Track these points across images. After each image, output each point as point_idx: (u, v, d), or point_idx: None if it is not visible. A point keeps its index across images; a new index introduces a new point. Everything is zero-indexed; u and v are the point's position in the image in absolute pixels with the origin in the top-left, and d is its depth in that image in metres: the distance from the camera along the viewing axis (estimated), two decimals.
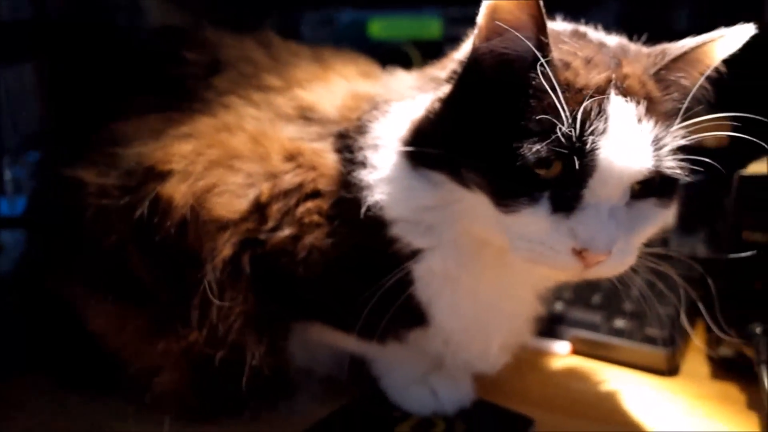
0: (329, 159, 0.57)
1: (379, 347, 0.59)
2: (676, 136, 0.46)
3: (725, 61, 0.50)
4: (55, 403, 0.63)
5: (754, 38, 0.48)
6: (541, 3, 0.44)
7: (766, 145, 0.49)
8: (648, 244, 0.51)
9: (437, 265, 0.54)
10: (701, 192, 0.64)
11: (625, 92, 0.46)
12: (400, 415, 0.61)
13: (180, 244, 0.54)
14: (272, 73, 0.63)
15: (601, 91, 0.45)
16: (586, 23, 0.56)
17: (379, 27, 1.12)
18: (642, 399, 0.65)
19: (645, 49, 0.52)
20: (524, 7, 0.44)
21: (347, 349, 0.62)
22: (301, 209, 0.54)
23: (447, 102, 0.50)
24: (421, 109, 0.52)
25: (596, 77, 0.46)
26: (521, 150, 0.44)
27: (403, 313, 0.54)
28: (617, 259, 0.47)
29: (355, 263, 0.54)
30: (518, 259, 0.49)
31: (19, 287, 0.69)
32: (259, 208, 0.54)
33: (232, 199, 0.54)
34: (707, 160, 0.48)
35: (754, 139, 0.49)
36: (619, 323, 0.72)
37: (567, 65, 0.47)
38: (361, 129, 0.56)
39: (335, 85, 0.62)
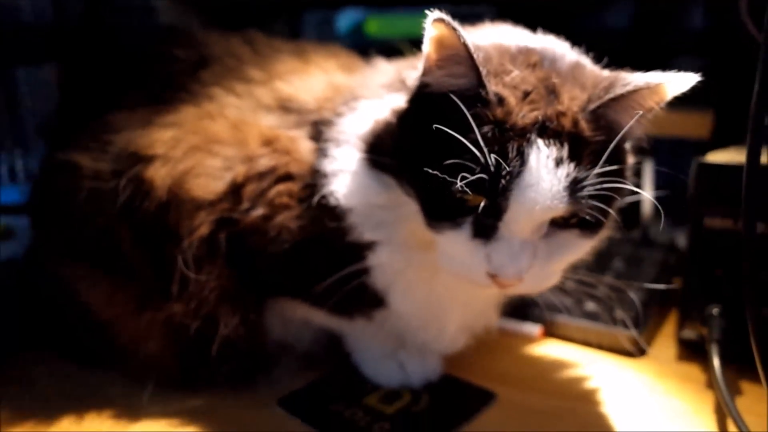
0: (304, 145, 0.61)
1: (349, 323, 0.63)
2: (600, 176, 0.46)
3: None
4: (56, 372, 0.68)
5: None
6: (470, 42, 0.45)
7: None
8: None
9: (387, 259, 0.57)
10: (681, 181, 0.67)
11: (551, 133, 0.46)
12: (370, 388, 0.65)
13: (161, 222, 0.59)
14: (255, 66, 0.67)
15: (526, 132, 0.46)
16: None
17: (376, 25, 1.16)
18: (604, 378, 0.68)
19: (595, 76, 0.52)
20: (460, 38, 0.45)
21: (321, 325, 0.66)
22: (273, 191, 0.58)
23: (399, 116, 0.54)
24: (387, 110, 0.55)
25: (525, 117, 0.46)
26: (447, 180, 0.46)
27: (364, 295, 0.59)
28: (532, 283, 0.51)
29: (319, 245, 0.58)
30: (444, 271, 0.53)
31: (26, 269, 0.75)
32: (234, 190, 0.59)
33: (210, 180, 0.58)
34: (630, 186, 0.50)
35: None
36: (590, 306, 0.75)
37: (501, 101, 0.47)
38: (329, 122, 0.60)
39: (314, 77, 0.66)
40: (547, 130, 0.47)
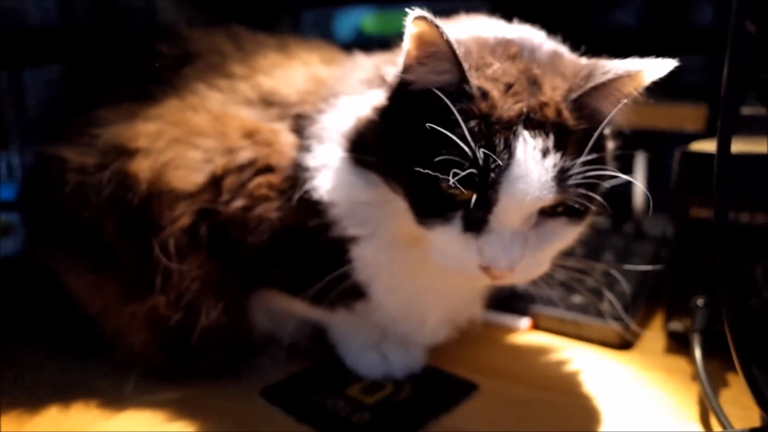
0: (285, 137, 0.61)
1: (331, 314, 0.64)
2: (585, 164, 0.47)
3: None
4: (46, 362, 0.70)
5: None
6: (452, 39, 0.45)
7: None
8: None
9: (370, 254, 0.58)
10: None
11: (536, 124, 0.47)
12: (353, 379, 0.65)
13: (145, 215, 0.59)
14: (238, 61, 0.68)
15: (512, 125, 0.46)
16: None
17: (371, 22, 1.17)
18: (589, 370, 0.67)
19: (574, 65, 0.52)
20: (443, 35, 0.46)
21: (304, 316, 0.67)
22: (253, 183, 0.59)
23: (381, 113, 0.53)
24: (368, 107, 0.55)
25: (509, 110, 0.47)
26: (435, 176, 0.47)
27: (346, 287, 0.59)
28: (523, 273, 0.52)
29: (300, 237, 0.59)
30: (436, 264, 0.53)
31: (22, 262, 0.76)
32: (215, 181, 0.59)
33: (190, 172, 0.59)
34: (614, 172, 0.50)
35: None
36: (578, 299, 0.75)
37: (485, 95, 0.47)
38: (311, 118, 0.60)
39: (297, 71, 0.67)
40: (532, 121, 0.47)
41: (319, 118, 0.60)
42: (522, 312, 0.77)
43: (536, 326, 0.76)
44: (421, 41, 0.47)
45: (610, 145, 0.55)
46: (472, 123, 0.46)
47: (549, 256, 0.54)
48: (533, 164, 0.46)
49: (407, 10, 0.46)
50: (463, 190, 0.47)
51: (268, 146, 0.60)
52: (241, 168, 0.59)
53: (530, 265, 0.52)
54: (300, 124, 0.61)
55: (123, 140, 0.61)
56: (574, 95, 0.48)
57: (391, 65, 0.56)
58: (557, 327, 0.75)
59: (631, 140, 0.58)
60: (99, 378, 0.66)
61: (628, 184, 0.56)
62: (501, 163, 0.46)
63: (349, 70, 0.65)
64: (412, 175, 0.48)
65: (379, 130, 0.53)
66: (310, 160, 0.58)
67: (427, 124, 0.46)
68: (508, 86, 0.48)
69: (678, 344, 0.71)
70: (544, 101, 0.48)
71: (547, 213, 0.50)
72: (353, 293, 0.60)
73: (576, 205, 0.49)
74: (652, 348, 0.72)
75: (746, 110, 0.65)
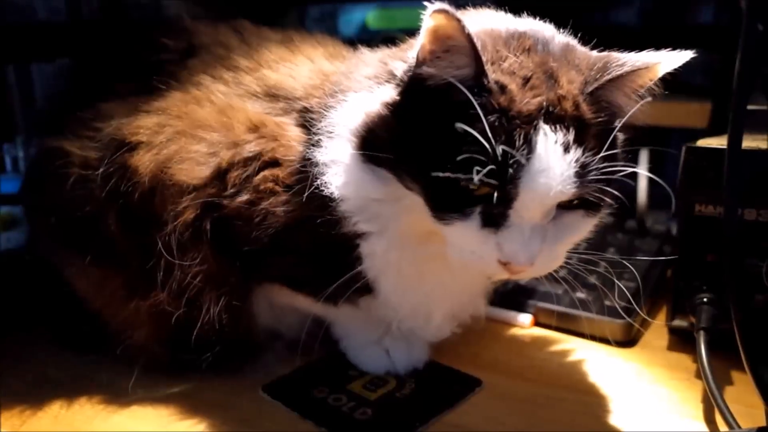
0: (291, 131, 0.61)
1: (334, 309, 0.63)
2: (604, 159, 0.47)
3: None
4: (49, 357, 0.70)
5: None
6: (473, 32, 0.45)
7: None
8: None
9: (380, 250, 0.57)
10: None
11: (556, 118, 0.46)
12: (356, 374, 0.65)
13: (147, 209, 0.59)
14: (243, 55, 0.67)
15: (532, 119, 0.46)
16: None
17: (376, 18, 1.17)
18: (592, 366, 0.67)
19: (587, 57, 0.52)
20: (463, 29, 0.45)
21: (308, 311, 0.66)
22: (258, 177, 0.58)
23: (393, 109, 0.52)
24: (377, 103, 0.54)
25: (529, 104, 0.46)
26: (454, 171, 0.46)
27: (353, 282, 0.58)
28: (541, 266, 0.52)
29: (307, 232, 0.58)
30: (450, 260, 0.53)
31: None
32: (220, 175, 0.59)
33: (194, 166, 0.59)
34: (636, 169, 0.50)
35: None
36: (581, 295, 0.74)
37: (503, 89, 0.47)
38: (319, 113, 0.59)
39: (301, 65, 0.66)
40: (552, 115, 0.47)
41: (327, 114, 0.58)
42: (525, 308, 0.77)
43: (539, 322, 0.76)
44: (437, 35, 0.47)
45: (621, 136, 0.55)
46: (492, 118, 0.46)
47: (565, 249, 0.54)
48: (555, 159, 0.46)
49: (415, 4, 0.46)
50: (486, 184, 0.46)
51: (274, 140, 0.60)
52: (247, 161, 0.59)
53: (548, 258, 0.51)
54: (306, 119, 0.61)
55: (124, 134, 0.60)
56: (590, 88, 0.48)
57: (399, 60, 0.55)
58: (560, 323, 0.75)
59: (635, 136, 0.58)
60: (101, 372, 0.65)
61: (632, 180, 0.56)
62: (521, 158, 0.45)
63: (354, 66, 0.64)
64: (427, 171, 0.48)
65: (390, 126, 0.52)
66: (320, 156, 0.57)
67: (457, 124, 0.46)
68: (526, 80, 0.48)
69: (681, 341, 0.71)
70: (563, 94, 0.47)
71: (564, 206, 0.50)
72: (361, 289, 0.60)
73: (593, 199, 0.49)
74: (656, 344, 0.72)
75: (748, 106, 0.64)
